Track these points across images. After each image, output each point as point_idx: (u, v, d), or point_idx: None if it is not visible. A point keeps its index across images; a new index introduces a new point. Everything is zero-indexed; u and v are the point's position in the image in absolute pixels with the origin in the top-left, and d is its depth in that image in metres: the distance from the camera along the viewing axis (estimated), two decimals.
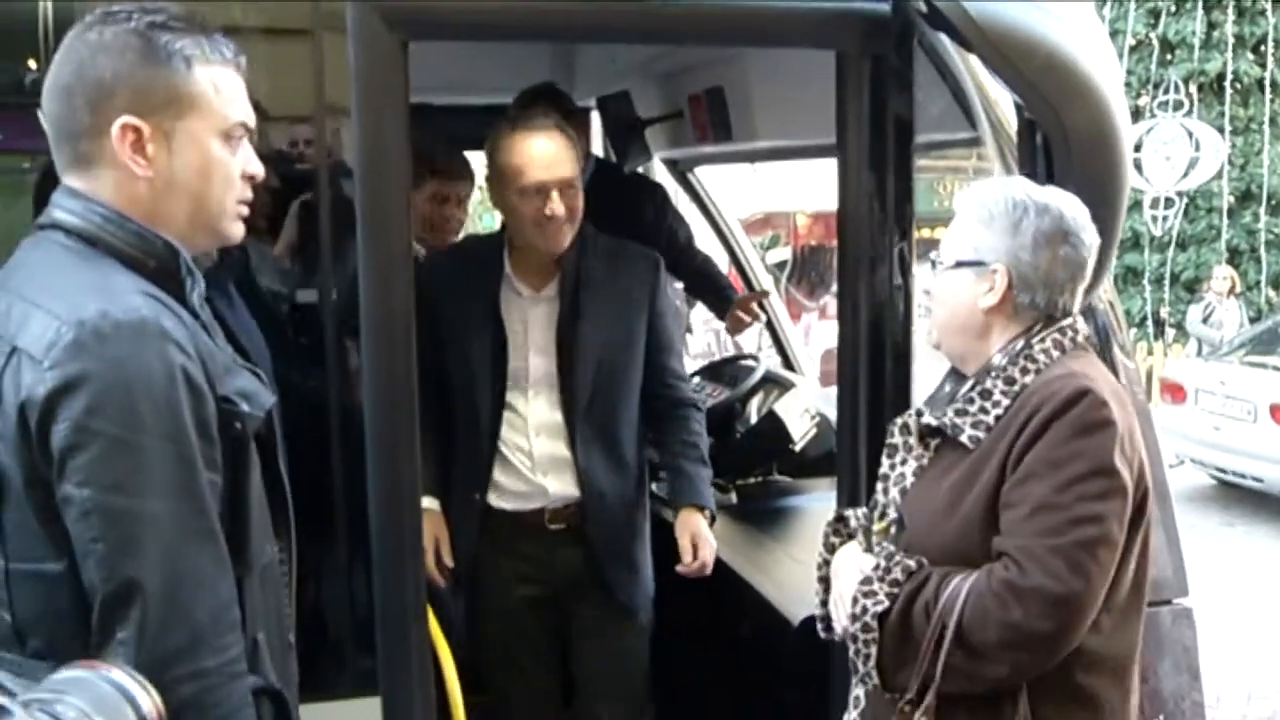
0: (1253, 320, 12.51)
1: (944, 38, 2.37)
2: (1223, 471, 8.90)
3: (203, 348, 1.56)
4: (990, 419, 1.90)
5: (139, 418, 1.44)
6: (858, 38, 2.47)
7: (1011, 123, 2.44)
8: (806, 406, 3.89)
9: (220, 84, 1.60)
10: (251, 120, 1.66)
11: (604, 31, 2.47)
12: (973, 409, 1.93)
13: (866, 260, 2.58)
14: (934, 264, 2.03)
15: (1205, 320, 12.19)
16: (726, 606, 3.19)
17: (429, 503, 2.69)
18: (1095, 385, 1.83)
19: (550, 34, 2.67)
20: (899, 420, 2.07)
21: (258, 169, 1.67)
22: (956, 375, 2.06)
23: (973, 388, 1.95)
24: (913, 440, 2.01)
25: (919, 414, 2.02)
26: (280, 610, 1.77)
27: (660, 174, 4.81)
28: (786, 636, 2.78)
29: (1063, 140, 2.27)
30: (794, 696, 2.90)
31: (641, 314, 2.85)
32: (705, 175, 4.81)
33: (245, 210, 1.68)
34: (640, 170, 4.58)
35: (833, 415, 2.88)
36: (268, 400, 1.68)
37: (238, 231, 1.68)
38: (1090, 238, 1.95)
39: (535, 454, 2.82)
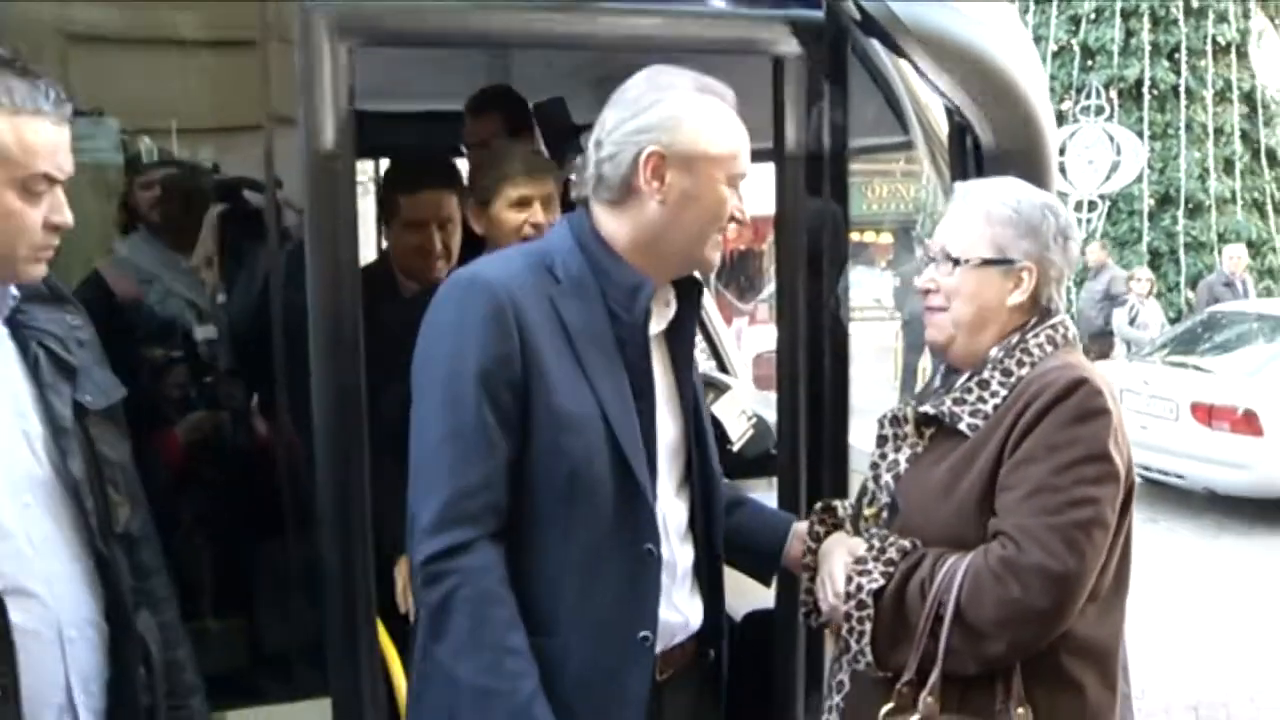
0: (1172, 321, 12.83)
1: (876, 44, 2.44)
2: (1147, 469, 9.11)
3: None
4: (988, 408, 1.95)
5: None
6: (792, 44, 2.52)
7: (942, 127, 2.51)
8: (743, 408, 3.94)
9: (24, 133, 1.64)
10: (60, 171, 1.69)
11: (545, 39, 2.49)
12: (970, 398, 1.97)
13: (805, 263, 2.63)
14: (933, 262, 2.04)
15: (1132, 322, 12.46)
16: None
17: None
18: (1091, 376, 1.90)
19: (493, 41, 2.69)
20: (888, 413, 2.10)
21: (64, 219, 1.71)
22: (947, 371, 2.12)
23: (970, 379, 2.00)
24: (907, 429, 2.04)
25: (911, 404, 2.06)
26: None
27: None
28: (730, 634, 2.82)
29: (991, 143, 2.35)
30: (736, 693, 2.93)
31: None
32: None
33: (46, 255, 1.74)
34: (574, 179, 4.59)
35: (769, 417, 2.93)
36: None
37: (36, 273, 1.74)
38: (1077, 234, 2.06)
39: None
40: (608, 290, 1.86)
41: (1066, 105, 15.28)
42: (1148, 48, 15.09)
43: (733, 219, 1.91)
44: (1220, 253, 14.54)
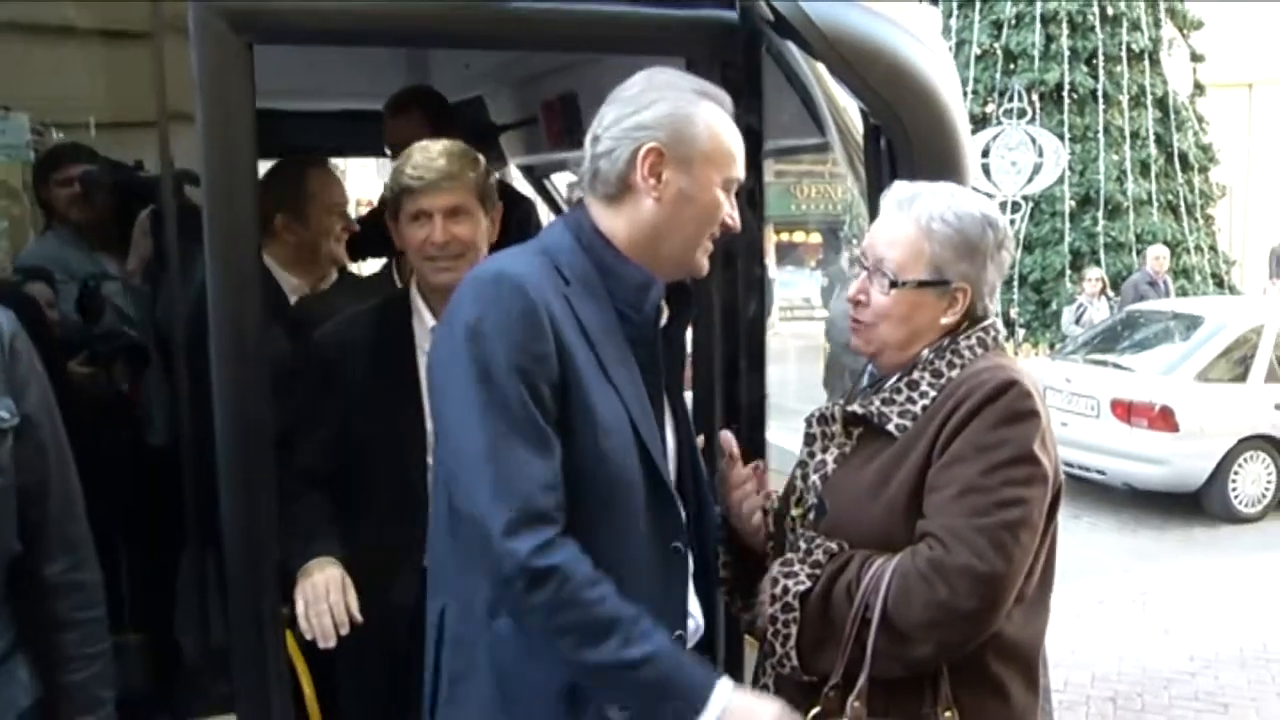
0: None
1: (791, 45, 2.42)
2: (1070, 465, 9.26)
3: None
4: (917, 408, 1.93)
5: None
6: (706, 45, 2.50)
7: (859, 129, 2.50)
8: None
9: None
10: None
11: (451, 36, 2.44)
12: (899, 399, 1.95)
13: (720, 264, 2.61)
14: (864, 270, 1.99)
15: (1078, 321, 12.69)
16: None
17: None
18: (1021, 378, 1.88)
19: (397, 38, 2.63)
20: (815, 412, 2.07)
21: None
22: (875, 369, 2.08)
23: (899, 379, 1.97)
24: (835, 429, 2.02)
25: (838, 404, 2.04)
26: None
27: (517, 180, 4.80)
28: None
29: (905, 144, 2.35)
30: None
31: None
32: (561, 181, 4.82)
33: None
34: (501, 180, 4.56)
35: None
36: None
37: None
38: (1011, 242, 2.04)
39: None
40: (614, 289, 1.85)
41: (990, 108, 15.54)
42: (1067, 53, 15.38)
43: (724, 225, 1.90)
44: (1139, 253, 14.89)
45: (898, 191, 2.02)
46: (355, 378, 2.54)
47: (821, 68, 2.41)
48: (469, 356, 1.72)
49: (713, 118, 1.86)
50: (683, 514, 1.94)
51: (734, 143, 1.89)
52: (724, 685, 1.74)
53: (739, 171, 1.90)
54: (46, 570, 1.87)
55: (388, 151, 3.79)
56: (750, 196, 2.62)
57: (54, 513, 1.88)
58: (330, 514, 2.53)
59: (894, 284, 1.95)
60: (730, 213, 1.89)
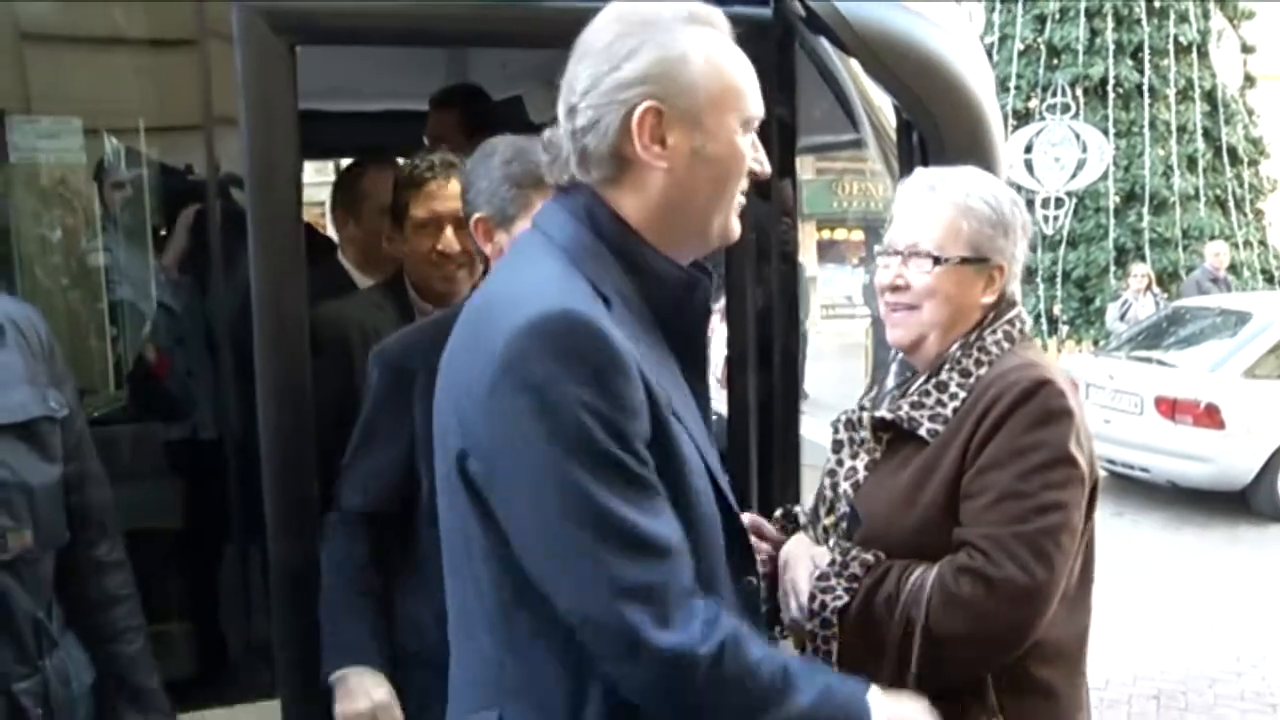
0: None
1: (824, 41, 2.44)
2: (1112, 463, 9.18)
3: None
4: (948, 411, 1.90)
5: None
6: (739, 40, 2.50)
7: (891, 124, 2.51)
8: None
9: None
10: None
11: (488, 35, 2.48)
12: (929, 401, 1.92)
13: (753, 261, 2.63)
14: (895, 257, 1.96)
15: (1122, 317, 12.56)
16: None
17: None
18: (1053, 375, 1.86)
19: (436, 38, 2.68)
20: (842, 416, 2.04)
21: None
22: (901, 370, 2.06)
23: (927, 380, 1.95)
24: (864, 434, 1.98)
25: (865, 408, 2.01)
26: None
27: None
28: None
29: (937, 139, 2.36)
30: None
31: None
32: None
33: None
34: None
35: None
36: None
37: None
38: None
39: None
40: (652, 294, 1.51)
41: (1033, 103, 15.42)
42: (1112, 47, 15.21)
43: (751, 174, 1.55)
44: (1186, 249, 14.71)
45: (923, 177, 2.01)
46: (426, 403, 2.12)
47: (854, 63, 2.42)
48: (551, 430, 1.36)
49: (711, 49, 1.49)
50: (752, 546, 1.68)
51: (741, 73, 1.52)
52: (874, 692, 1.53)
53: (755, 106, 1.53)
54: (94, 552, 1.96)
55: (426, 142, 3.86)
56: (784, 193, 2.64)
57: (97, 497, 1.97)
58: (378, 603, 2.25)
59: (937, 261, 1.93)
60: (756, 156, 1.55)
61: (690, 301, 1.55)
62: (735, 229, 1.57)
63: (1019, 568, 1.75)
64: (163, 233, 2.43)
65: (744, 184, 1.55)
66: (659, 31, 1.47)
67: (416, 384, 2.09)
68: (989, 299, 1.96)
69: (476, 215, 2.13)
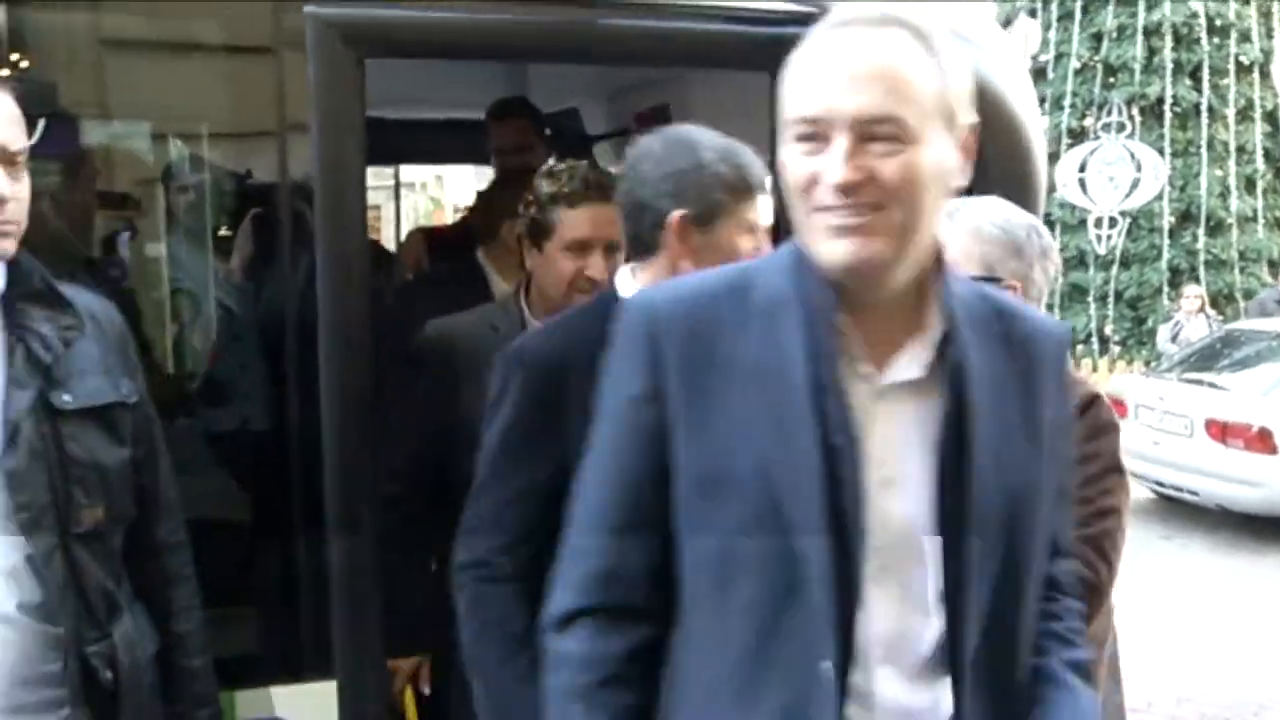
0: None
1: None
2: (1161, 485, 9.11)
3: None
4: None
5: None
6: (788, 61, 2.58)
7: None
8: None
9: None
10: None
11: (555, 51, 2.58)
12: None
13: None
14: None
15: (1174, 339, 12.45)
16: None
17: None
18: (1098, 388, 1.97)
19: (501, 52, 2.77)
20: None
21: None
22: None
23: None
24: None
25: None
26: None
27: None
28: None
29: (980, 160, 2.40)
30: None
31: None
32: None
33: None
34: None
35: None
36: None
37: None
38: (1056, 255, 2.12)
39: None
40: None
41: (1088, 122, 15.31)
42: (1170, 65, 15.08)
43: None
44: (1243, 271, 14.53)
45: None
46: (582, 408, 1.76)
47: None
48: None
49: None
50: None
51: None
52: None
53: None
54: (158, 532, 2.05)
55: (491, 158, 3.97)
56: None
57: (161, 480, 2.07)
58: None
59: None
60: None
61: None
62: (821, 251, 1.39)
63: (1085, 566, 1.85)
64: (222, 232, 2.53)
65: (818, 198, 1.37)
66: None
67: (571, 387, 1.89)
68: None
69: (677, 213, 1.96)
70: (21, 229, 1.82)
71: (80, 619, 1.86)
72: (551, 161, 2.51)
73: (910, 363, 1.40)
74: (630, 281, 2.05)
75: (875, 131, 1.30)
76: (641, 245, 2.03)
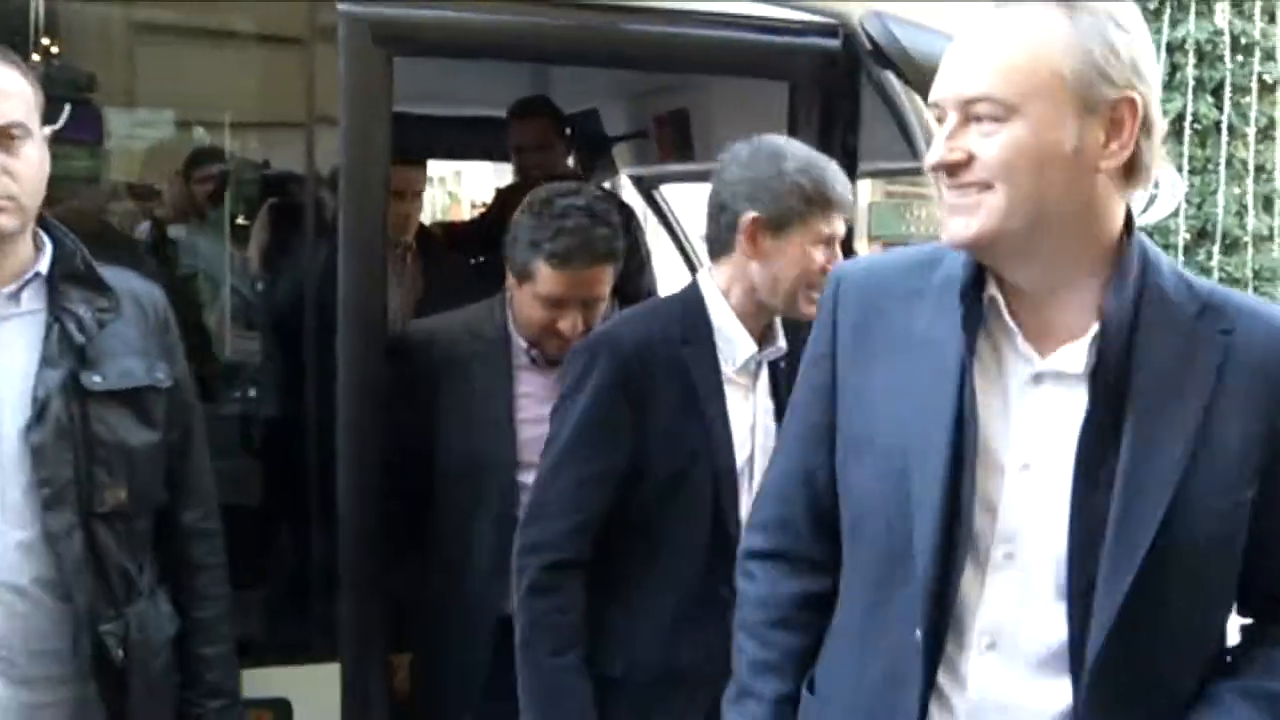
0: None
1: (888, 73, 2.57)
2: None
3: None
4: None
5: None
6: (809, 70, 2.66)
7: None
8: None
9: None
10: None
11: (581, 54, 2.64)
12: None
13: None
14: None
15: None
16: None
17: None
18: None
19: (526, 54, 2.84)
20: None
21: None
22: None
23: None
24: None
25: None
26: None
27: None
28: None
29: None
30: None
31: None
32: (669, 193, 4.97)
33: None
34: (608, 188, 4.73)
35: None
36: None
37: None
38: None
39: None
40: None
41: None
42: (1191, 82, 15.04)
43: None
44: (1257, 290, 14.47)
45: None
46: (662, 397, 2.07)
47: (916, 96, 2.54)
48: None
49: None
50: None
51: None
52: None
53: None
54: (184, 518, 2.09)
55: (511, 155, 4.03)
56: None
57: (192, 466, 2.10)
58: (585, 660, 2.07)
59: None
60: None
61: None
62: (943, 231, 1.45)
63: None
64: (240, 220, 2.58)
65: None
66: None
67: (652, 376, 2.03)
68: None
69: (751, 214, 2.04)
70: (23, 205, 1.82)
71: (96, 597, 1.88)
72: (541, 191, 2.46)
73: (1073, 354, 1.37)
74: (707, 280, 2.15)
75: (977, 111, 1.32)
76: (718, 244, 2.13)
